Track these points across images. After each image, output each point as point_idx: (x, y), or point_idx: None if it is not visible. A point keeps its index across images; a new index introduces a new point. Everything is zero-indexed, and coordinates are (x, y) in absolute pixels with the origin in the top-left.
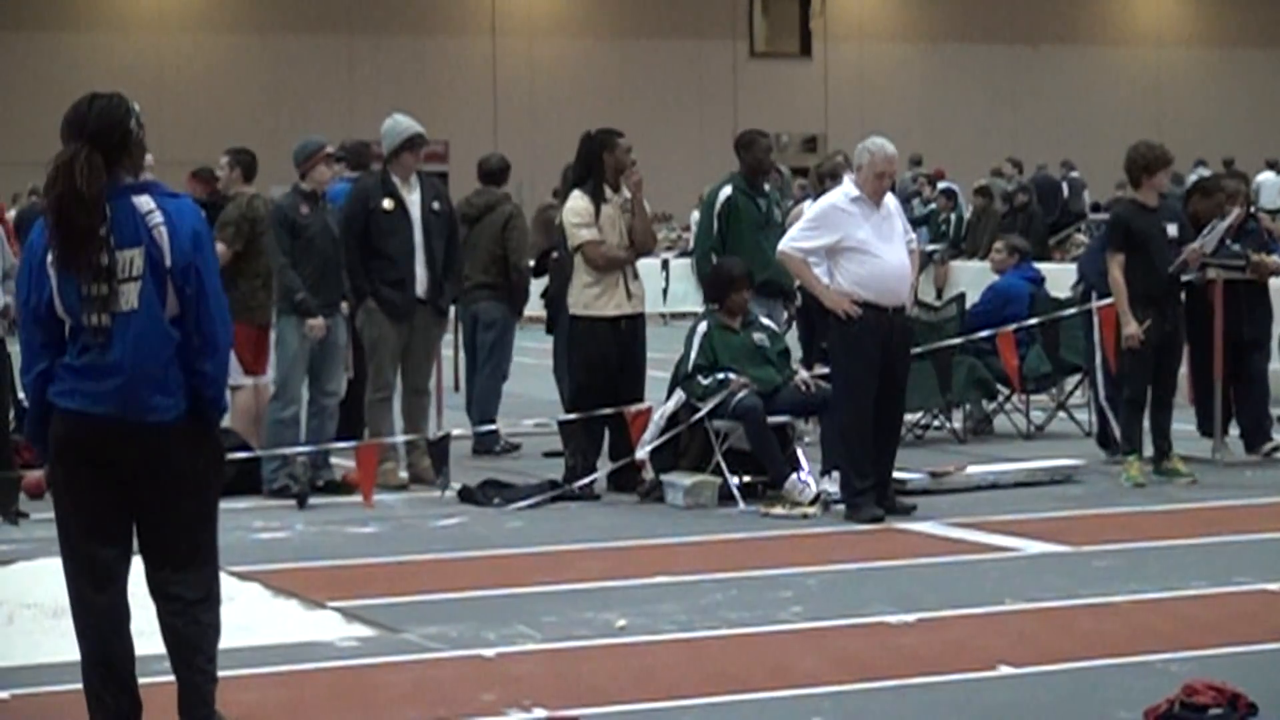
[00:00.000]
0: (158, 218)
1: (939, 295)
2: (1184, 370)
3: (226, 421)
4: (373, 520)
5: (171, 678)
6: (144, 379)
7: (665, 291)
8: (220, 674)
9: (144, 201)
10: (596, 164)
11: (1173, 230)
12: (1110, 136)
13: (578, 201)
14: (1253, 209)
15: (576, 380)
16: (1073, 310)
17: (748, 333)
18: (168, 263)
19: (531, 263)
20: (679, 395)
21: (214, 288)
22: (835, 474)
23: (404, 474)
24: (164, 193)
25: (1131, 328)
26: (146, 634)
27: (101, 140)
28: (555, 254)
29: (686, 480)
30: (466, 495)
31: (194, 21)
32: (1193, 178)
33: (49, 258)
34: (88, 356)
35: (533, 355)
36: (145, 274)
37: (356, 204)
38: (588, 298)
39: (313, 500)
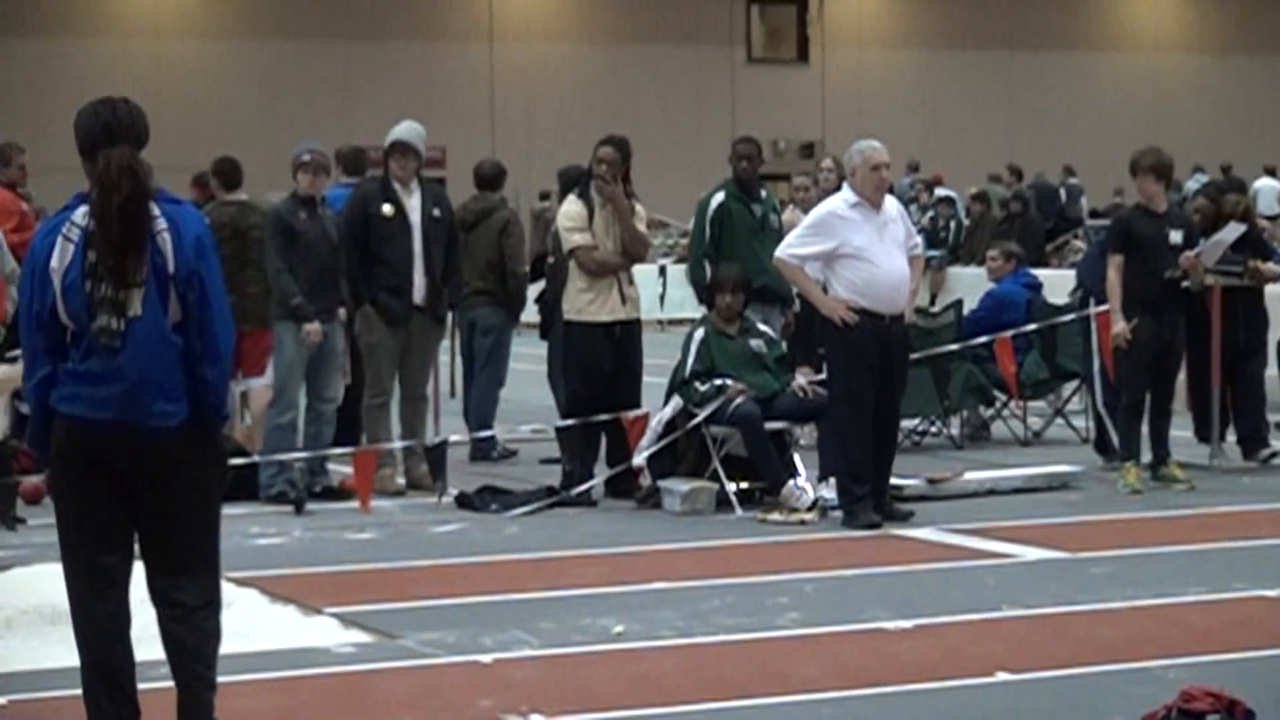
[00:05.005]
0: (162, 224)
1: (933, 301)
2: (1181, 376)
3: None
4: (370, 526)
5: (171, 683)
6: (147, 385)
7: (662, 298)
8: (218, 680)
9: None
10: (588, 170)
11: (1177, 237)
12: (1108, 143)
13: (571, 206)
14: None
15: (571, 386)
16: (1070, 316)
17: (745, 339)
18: (171, 269)
19: (526, 267)
20: (676, 401)
21: (217, 294)
22: (832, 480)
23: (401, 480)
24: (168, 198)
25: (1119, 326)
26: (146, 640)
27: (138, 144)
28: (551, 258)
29: (684, 486)
30: (464, 501)
31: (191, 28)
32: (1191, 184)
33: (52, 263)
34: (91, 362)
35: (530, 361)
36: (149, 280)
37: (356, 209)
38: (582, 303)
39: (310, 506)
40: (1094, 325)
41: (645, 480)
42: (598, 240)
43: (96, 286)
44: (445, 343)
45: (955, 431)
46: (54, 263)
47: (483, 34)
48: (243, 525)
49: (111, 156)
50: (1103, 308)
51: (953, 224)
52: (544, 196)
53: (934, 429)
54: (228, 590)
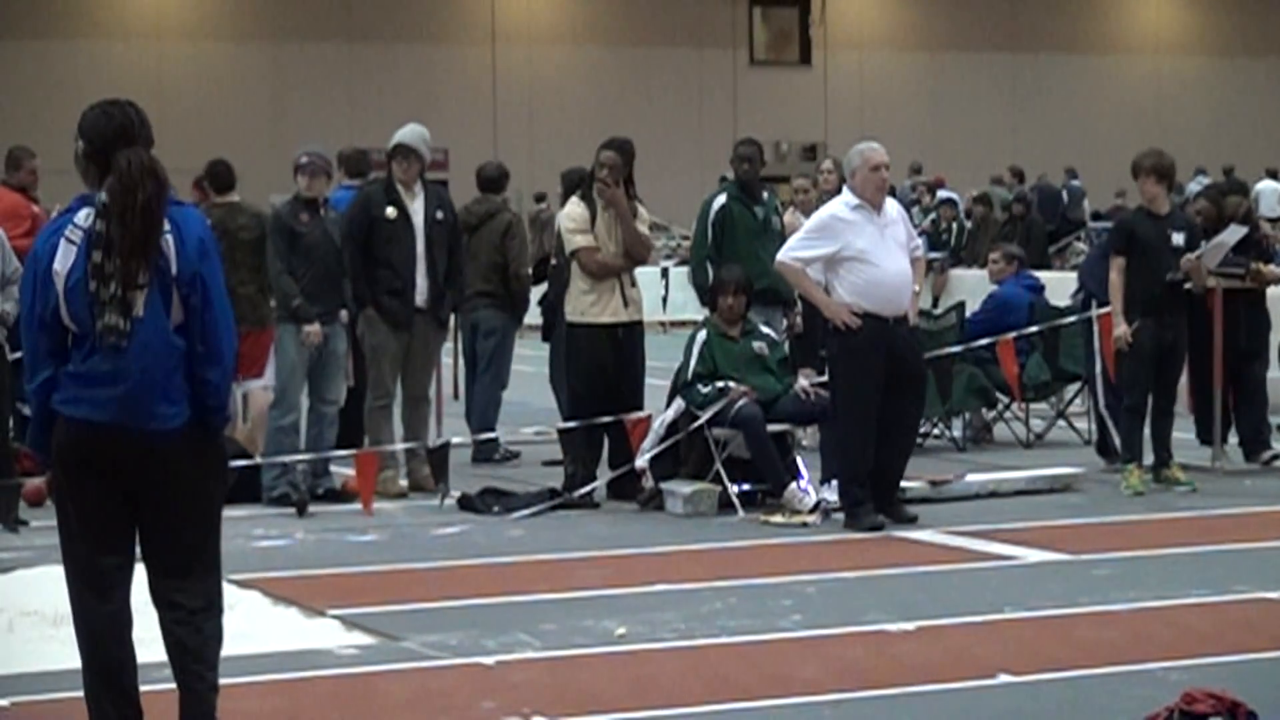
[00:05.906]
0: (165, 225)
1: (936, 303)
2: (1183, 379)
3: None
4: (372, 528)
5: (172, 685)
6: (149, 387)
7: (665, 300)
8: (220, 682)
9: None
10: (590, 172)
11: (1178, 239)
12: (1110, 145)
13: (574, 208)
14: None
15: (573, 388)
16: (1072, 318)
17: (747, 341)
18: (174, 271)
19: (529, 269)
20: (678, 403)
21: (219, 297)
22: (835, 482)
23: (404, 482)
24: (171, 200)
25: (1121, 329)
26: (147, 641)
27: (147, 146)
28: (554, 261)
29: (686, 488)
30: (466, 503)
31: (194, 30)
32: (1193, 186)
33: (54, 265)
34: (93, 362)
35: (532, 363)
36: (152, 282)
37: (359, 211)
38: (584, 305)
39: (312, 508)
40: (1096, 327)
41: (648, 482)
42: (600, 242)
43: (102, 287)
44: (448, 345)
45: (957, 433)
46: (57, 265)
47: (485, 36)
48: (245, 527)
49: (132, 157)
50: (1105, 310)
51: (955, 226)
52: (539, 199)
53: (936, 431)
54: (230, 592)
